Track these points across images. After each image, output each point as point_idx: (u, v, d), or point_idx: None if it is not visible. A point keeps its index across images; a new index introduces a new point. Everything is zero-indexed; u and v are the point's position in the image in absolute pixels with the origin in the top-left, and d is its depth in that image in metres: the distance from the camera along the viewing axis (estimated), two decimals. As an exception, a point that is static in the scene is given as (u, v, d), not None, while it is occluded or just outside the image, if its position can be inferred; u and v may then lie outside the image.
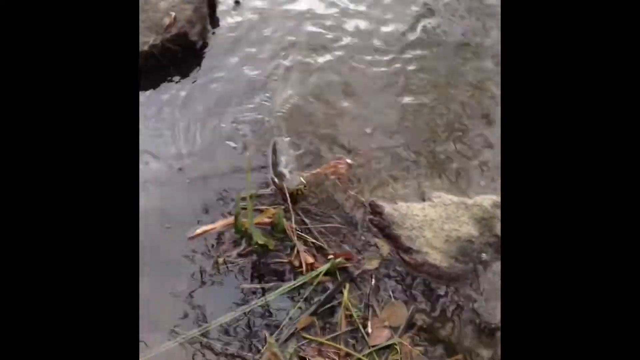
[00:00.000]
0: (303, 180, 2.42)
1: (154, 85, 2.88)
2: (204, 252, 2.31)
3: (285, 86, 2.93)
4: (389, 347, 2.07)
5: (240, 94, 2.91)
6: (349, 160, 2.54)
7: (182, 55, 2.94)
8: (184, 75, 2.96)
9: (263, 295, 2.19)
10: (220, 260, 2.26)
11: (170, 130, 2.74)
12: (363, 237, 2.35)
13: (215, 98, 2.89)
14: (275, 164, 2.50)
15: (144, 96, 2.83)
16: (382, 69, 3.07)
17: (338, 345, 2.06)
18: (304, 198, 2.44)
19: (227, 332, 2.12)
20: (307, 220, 2.38)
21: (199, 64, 3.03)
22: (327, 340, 2.08)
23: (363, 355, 2.04)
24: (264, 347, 2.05)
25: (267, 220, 2.34)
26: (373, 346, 2.06)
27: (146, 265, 2.21)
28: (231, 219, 2.32)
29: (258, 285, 2.22)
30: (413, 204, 2.37)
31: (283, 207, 2.37)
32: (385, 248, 2.30)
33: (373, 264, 2.26)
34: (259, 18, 3.26)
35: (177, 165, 2.59)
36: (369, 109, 2.86)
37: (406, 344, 2.06)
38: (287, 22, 3.26)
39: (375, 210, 2.38)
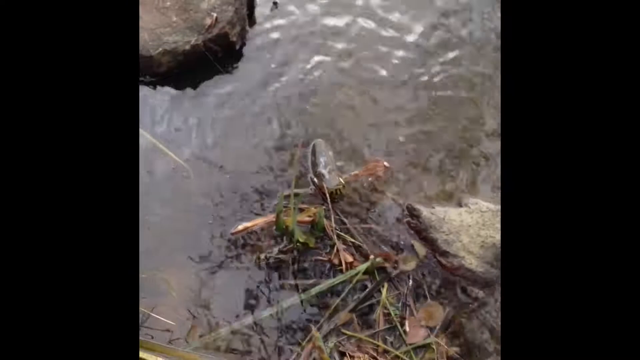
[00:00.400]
0: (342, 181, 2.49)
1: (195, 84, 2.94)
2: (246, 248, 2.37)
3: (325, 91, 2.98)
4: (426, 346, 2.14)
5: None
6: (386, 163, 2.61)
7: (223, 54, 3.00)
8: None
9: (304, 291, 2.25)
10: (262, 256, 2.32)
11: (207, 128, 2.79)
12: (401, 240, 2.41)
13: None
14: (314, 165, 2.57)
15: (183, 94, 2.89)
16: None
17: (376, 342, 2.13)
18: (342, 198, 2.51)
19: (269, 326, 2.18)
20: (345, 220, 2.45)
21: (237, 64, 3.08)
22: (366, 336, 2.15)
23: (400, 353, 2.10)
24: (304, 341, 2.11)
25: (307, 219, 2.41)
26: (410, 344, 2.13)
27: (189, 259, 2.31)
28: (272, 217, 2.39)
29: (299, 282, 2.28)
30: (450, 209, 2.44)
31: (323, 206, 2.43)
32: (422, 250, 2.37)
33: (410, 265, 2.32)
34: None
35: (219, 164, 2.64)
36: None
37: (442, 344, 2.13)
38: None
39: (413, 213, 2.44)
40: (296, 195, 2.38)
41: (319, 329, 2.14)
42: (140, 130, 2.51)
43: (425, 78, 2.98)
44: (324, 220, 2.38)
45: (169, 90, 2.87)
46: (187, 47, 2.92)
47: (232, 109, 2.84)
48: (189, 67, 2.91)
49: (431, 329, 2.18)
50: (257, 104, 2.85)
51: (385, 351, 2.11)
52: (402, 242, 2.41)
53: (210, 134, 2.74)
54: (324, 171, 2.53)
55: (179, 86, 2.88)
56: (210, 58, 2.93)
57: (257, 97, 2.88)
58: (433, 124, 2.82)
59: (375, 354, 2.10)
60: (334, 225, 2.41)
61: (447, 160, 2.68)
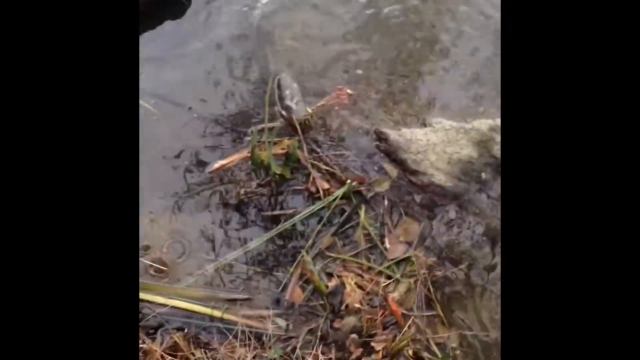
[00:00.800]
0: (309, 110, 2.56)
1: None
2: (224, 185, 2.44)
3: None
4: (406, 260, 2.29)
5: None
6: (349, 91, 2.68)
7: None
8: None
9: (285, 221, 2.35)
10: (242, 191, 2.39)
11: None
12: (372, 164, 2.52)
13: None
14: (281, 98, 2.61)
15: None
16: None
17: (360, 261, 2.27)
18: (311, 128, 2.58)
19: (256, 257, 2.28)
20: (318, 150, 2.53)
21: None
22: (350, 257, 2.28)
23: (383, 268, 2.25)
24: (293, 267, 2.22)
25: (281, 151, 2.48)
26: (392, 259, 2.27)
27: (171, 201, 2.36)
28: (247, 152, 2.45)
29: (280, 212, 2.37)
30: (416, 130, 2.55)
31: (295, 138, 2.50)
32: (393, 172, 2.48)
33: (384, 187, 2.44)
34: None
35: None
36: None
37: (421, 256, 2.28)
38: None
39: (381, 137, 2.55)
40: (269, 129, 2.44)
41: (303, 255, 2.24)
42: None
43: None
44: (298, 151, 2.45)
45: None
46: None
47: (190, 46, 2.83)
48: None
49: (409, 244, 2.32)
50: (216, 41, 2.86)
51: (369, 268, 2.25)
52: (374, 167, 2.51)
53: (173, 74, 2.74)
54: (291, 103, 2.58)
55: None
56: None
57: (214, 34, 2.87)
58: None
59: (360, 272, 2.23)
60: (307, 155, 2.48)
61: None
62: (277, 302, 2.16)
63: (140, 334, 1.94)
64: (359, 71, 2.85)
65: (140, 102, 2.44)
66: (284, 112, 2.59)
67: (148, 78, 2.65)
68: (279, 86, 2.66)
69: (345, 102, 2.65)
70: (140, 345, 1.86)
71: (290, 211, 2.38)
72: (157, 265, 2.18)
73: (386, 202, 2.41)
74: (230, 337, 2.01)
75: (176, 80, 2.76)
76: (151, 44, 2.85)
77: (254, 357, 1.95)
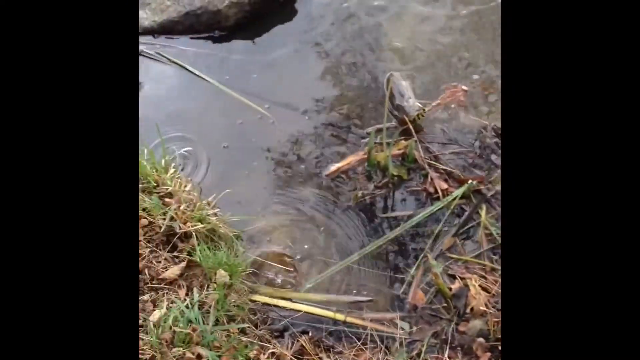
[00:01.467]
0: (420, 105, 2.53)
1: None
2: (342, 187, 2.45)
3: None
4: (531, 261, 2.21)
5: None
6: (464, 87, 2.62)
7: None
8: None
9: (404, 222, 2.33)
10: (359, 194, 2.40)
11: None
12: (491, 160, 2.46)
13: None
14: (392, 97, 2.60)
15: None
16: None
17: (483, 262, 2.21)
18: (423, 124, 2.55)
19: (376, 259, 2.28)
20: (434, 149, 2.49)
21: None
22: (472, 257, 2.23)
23: (507, 270, 2.18)
24: (413, 269, 2.20)
25: (397, 152, 2.46)
26: (516, 260, 2.20)
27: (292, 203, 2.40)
28: (363, 154, 2.46)
29: (399, 213, 2.36)
30: (536, 125, 2.46)
31: (412, 138, 2.48)
32: (513, 169, 2.40)
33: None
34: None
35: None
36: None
37: (547, 256, 2.19)
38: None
39: (499, 133, 2.47)
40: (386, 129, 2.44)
41: (425, 256, 2.22)
42: (223, 87, 2.59)
43: None
44: (414, 151, 2.43)
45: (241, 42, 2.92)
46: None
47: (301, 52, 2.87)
48: (257, 16, 2.94)
49: (535, 244, 2.23)
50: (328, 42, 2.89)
51: (493, 269, 2.19)
52: (492, 165, 2.45)
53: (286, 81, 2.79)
54: (403, 102, 2.56)
55: (249, 36, 2.92)
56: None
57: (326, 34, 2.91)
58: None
59: (483, 273, 2.18)
60: (423, 155, 2.45)
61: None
62: (399, 305, 2.14)
63: (269, 338, 1.99)
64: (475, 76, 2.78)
65: (255, 106, 2.52)
66: (396, 112, 2.57)
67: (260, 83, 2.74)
68: (390, 86, 2.64)
69: (461, 99, 2.60)
70: (271, 350, 1.90)
71: (409, 212, 2.36)
72: (286, 268, 2.22)
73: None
74: (356, 340, 2.01)
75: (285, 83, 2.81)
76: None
77: (379, 360, 1.96)
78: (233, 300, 1.95)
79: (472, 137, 2.56)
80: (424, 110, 2.52)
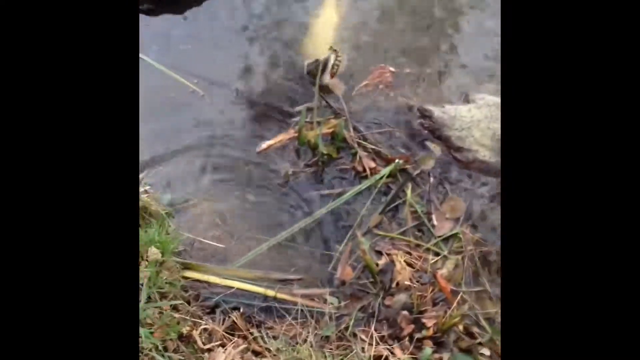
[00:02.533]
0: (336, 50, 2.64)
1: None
2: (272, 164, 2.48)
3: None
4: (453, 237, 2.33)
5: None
6: (391, 68, 2.69)
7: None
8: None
9: (333, 200, 2.39)
10: (290, 171, 2.44)
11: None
12: (416, 141, 2.55)
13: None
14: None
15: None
16: None
17: (408, 239, 2.31)
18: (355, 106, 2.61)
19: (304, 237, 2.33)
20: (362, 129, 2.56)
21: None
22: (398, 234, 2.32)
23: (431, 245, 2.29)
24: (342, 245, 2.27)
25: (327, 130, 2.51)
26: (439, 236, 2.31)
27: (222, 181, 2.41)
28: (294, 132, 2.49)
29: (327, 193, 2.42)
30: (459, 106, 2.56)
31: (342, 118, 2.54)
32: (437, 149, 2.51)
33: (429, 164, 2.47)
34: None
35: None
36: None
37: (467, 232, 2.32)
38: None
39: (425, 114, 2.57)
40: (317, 109, 2.48)
41: (353, 233, 2.29)
42: (151, 61, 2.55)
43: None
44: (344, 130, 2.49)
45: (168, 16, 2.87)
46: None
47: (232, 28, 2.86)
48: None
49: (456, 220, 2.35)
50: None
51: (418, 245, 2.29)
52: (418, 144, 2.54)
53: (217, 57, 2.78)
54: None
55: (177, 10, 2.87)
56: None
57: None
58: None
59: (408, 249, 2.28)
60: (353, 134, 2.52)
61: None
62: (328, 281, 2.21)
63: (201, 314, 2.01)
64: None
65: (186, 82, 2.51)
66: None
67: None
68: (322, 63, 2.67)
69: (388, 79, 2.66)
70: (204, 326, 1.93)
71: (338, 190, 2.42)
72: (214, 244, 2.23)
73: (432, 179, 2.44)
74: (286, 315, 2.07)
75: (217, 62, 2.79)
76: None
77: (309, 335, 2.02)
78: (165, 278, 1.95)
79: (399, 117, 2.62)
80: (339, 60, 2.58)
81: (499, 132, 2.48)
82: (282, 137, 2.52)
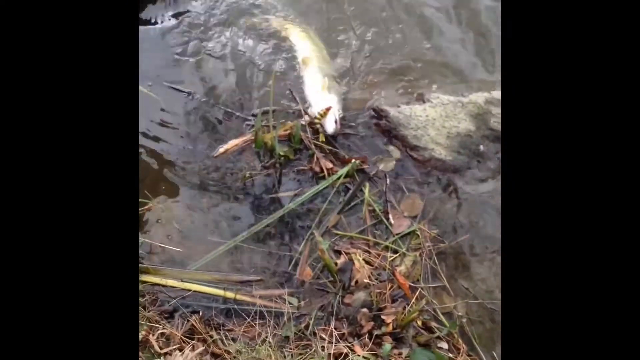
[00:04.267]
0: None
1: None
2: (229, 167, 2.48)
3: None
4: (410, 234, 2.35)
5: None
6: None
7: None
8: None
9: (291, 201, 2.40)
10: (247, 174, 2.44)
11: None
12: (374, 142, 2.58)
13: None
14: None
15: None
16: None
17: (366, 237, 2.33)
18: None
19: (263, 238, 2.33)
20: (320, 129, 2.58)
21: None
22: (356, 233, 2.34)
23: (389, 243, 2.31)
24: (302, 246, 2.28)
25: (284, 133, 2.52)
26: (397, 234, 2.33)
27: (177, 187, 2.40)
28: (250, 136, 2.49)
29: (285, 194, 2.42)
30: (415, 106, 2.60)
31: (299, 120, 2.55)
32: (396, 152, 2.54)
33: (389, 166, 2.50)
34: None
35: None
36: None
37: (425, 229, 2.34)
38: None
39: (380, 114, 2.59)
40: (272, 112, 2.49)
41: (312, 233, 2.29)
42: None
43: None
44: (300, 132, 2.50)
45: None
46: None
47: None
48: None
49: (413, 218, 2.38)
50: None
51: (376, 244, 2.31)
52: (375, 144, 2.57)
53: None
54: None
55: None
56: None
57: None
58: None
59: (367, 248, 2.29)
60: (310, 135, 2.53)
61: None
62: (288, 281, 2.21)
63: (159, 319, 2.00)
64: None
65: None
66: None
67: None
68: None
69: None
70: (161, 331, 1.91)
71: (296, 191, 2.42)
72: (172, 248, 2.21)
73: (388, 179, 2.46)
74: (245, 317, 2.06)
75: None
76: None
77: (268, 335, 2.01)
78: (121, 283, 1.93)
79: (356, 117, 2.65)
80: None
81: (453, 130, 2.52)
82: (239, 140, 2.52)
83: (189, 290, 2.11)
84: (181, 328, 1.99)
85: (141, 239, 2.20)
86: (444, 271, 2.26)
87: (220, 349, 1.95)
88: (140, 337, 1.85)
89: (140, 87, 2.52)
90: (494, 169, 2.50)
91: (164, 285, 2.11)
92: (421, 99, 2.68)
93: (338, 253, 2.28)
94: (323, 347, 1.97)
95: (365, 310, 2.11)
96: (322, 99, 2.58)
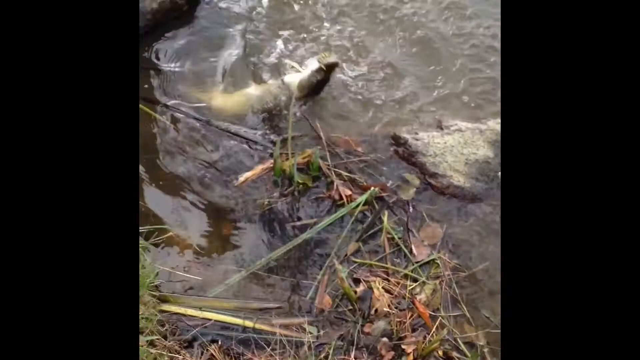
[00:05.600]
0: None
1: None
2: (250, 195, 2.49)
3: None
4: (430, 262, 2.34)
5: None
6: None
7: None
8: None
9: (309, 229, 2.40)
10: (266, 202, 2.44)
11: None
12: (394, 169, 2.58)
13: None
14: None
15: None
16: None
17: (386, 265, 2.32)
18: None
19: (282, 266, 2.32)
20: (341, 155, 2.59)
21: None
22: (375, 261, 2.33)
23: (408, 271, 2.29)
24: (320, 274, 2.27)
25: (302, 160, 2.53)
26: (417, 262, 2.32)
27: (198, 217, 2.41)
28: (270, 163, 2.51)
29: (304, 222, 2.42)
30: (432, 133, 2.60)
31: (317, 147, 2.56)
32: (415, 180, 2.53)
33: (409, 194, 2.49)
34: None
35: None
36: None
37: (445, 258, 2.33)
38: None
39: (399, 141, 2.60)
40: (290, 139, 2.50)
41: (330, 261, 2.29)
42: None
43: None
44: (319, 160, 2.51)
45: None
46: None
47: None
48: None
49: (433, 247, 2.37)
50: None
51: (395, 272, 2.30)
52: (394, 172, 2.57)
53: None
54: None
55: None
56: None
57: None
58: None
59: (386, 276, 2.28)
60: (329, 163, 2.53)
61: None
62: (307, 310, 2.20)
63: (178, 348, 1.99)
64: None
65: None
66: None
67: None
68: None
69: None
70: (180, 361, 1.91)
71: (314, 220, 2.42)
72: (191, 276, 2.21)
73: (410, 208, 2.46)
74: (265, 346, 2.05)
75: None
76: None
77: (288, 365, 2.00)
78: (141, 313, 1.94)
79: (375, 145, 2.66)
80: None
81: (471, 157, 2.52)
82: (259, 168, 2.53)
83: (209, 319, 2.10)
84: (200, 357, 1.99)
85: (159, 267, 2.20)
86: (464, 300, 2.24)
87: (239, 379, 1.94)
88: (161, 367, 1.84)
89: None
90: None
91: (183, 315, 2.10)
92: (439, 126, 2.68)
93: (357, 281, 2.27)
94: (343, 377, 1.96)
95: (385, 339, 2.09)
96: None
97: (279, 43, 3.01)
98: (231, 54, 2.98)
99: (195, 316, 2.13)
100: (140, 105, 2.48)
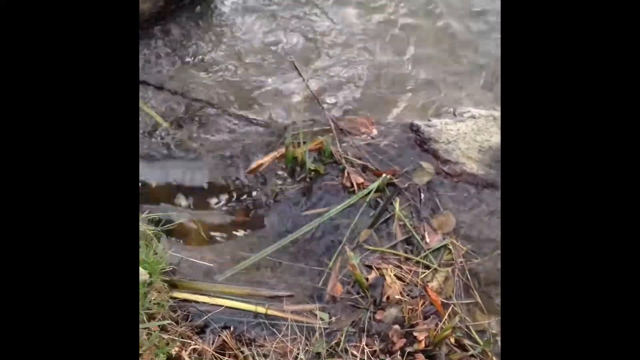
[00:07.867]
0: None
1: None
2: (262, 182, 2.49)
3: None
4: (442, 249, 2.32)
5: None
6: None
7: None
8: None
9: (322, 215, 2.39)
10: (277, 188, 2.44)
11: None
12: (405, 156, 2.56)
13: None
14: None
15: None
16: None
17: (398, 252, 2.31)
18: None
19: (294, 253, 2.32)
20: (352, 142, 2.57)
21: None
22: (387, 248, 2.32)
23: (420, 258, 2.28)
24: (332, 261, 2.27)
25: (314, 147, 2.52)
26: (429, 249, 2.31)
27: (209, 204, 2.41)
28: (282, 151, 2.50)
29: (315, 211, 2.42)
30: (445, 119, 2.58)
31: (329, 134, 2.55)
32: (430, 167, 2.51)
33: (423, 180, 2.48)
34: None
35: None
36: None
37: (457, 244, 2.32)
38: None
39: (412, 128, 2.58)
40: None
41: (342, 248, 2.28)
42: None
43: None
44: (330, 146, 2.50)
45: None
46: None
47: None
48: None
49: (446, 233, 2.35)
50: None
51: (407, 259, 2.29)
52: (408, 158, 2.55)
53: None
54: None
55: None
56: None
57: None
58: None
59: (398, 263, 2.27)
60: (340, 150, 2.52)
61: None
62: (318, 296, 2.20)
63: (190, 334, 2.00)
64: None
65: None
66: None
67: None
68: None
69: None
70: (193, 347, 1.91)
71: (326, 208, 2.41)
72: (203, 263, 2.22)
73: (422, 195, 2.44)
74: (276, 332, 2.05)
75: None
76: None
77: (299, 351, 2.00)
78: (153, 298, 1.94)
79: (388, 131, 2.64)
80: None
81: (484, 144, 2.50)
82: (271, 155, 2.53)
83: (220, 306, 2.11)
84: (212, 343, 1.99)
85: (170, 252, 2.21)
86: (477, 288, 2.23)
87: (252, 365, 1.95)
88: (174, 353, 1.85)
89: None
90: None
91: (195, 301, 2.11)
92: (453, 113, 2.66)
93: (369, 268, 2.26)
94: (355, 364, 1.96)
95: (397, 327, 2.09)
96: None
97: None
98: None
99: (206, 302, 2.13)
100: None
